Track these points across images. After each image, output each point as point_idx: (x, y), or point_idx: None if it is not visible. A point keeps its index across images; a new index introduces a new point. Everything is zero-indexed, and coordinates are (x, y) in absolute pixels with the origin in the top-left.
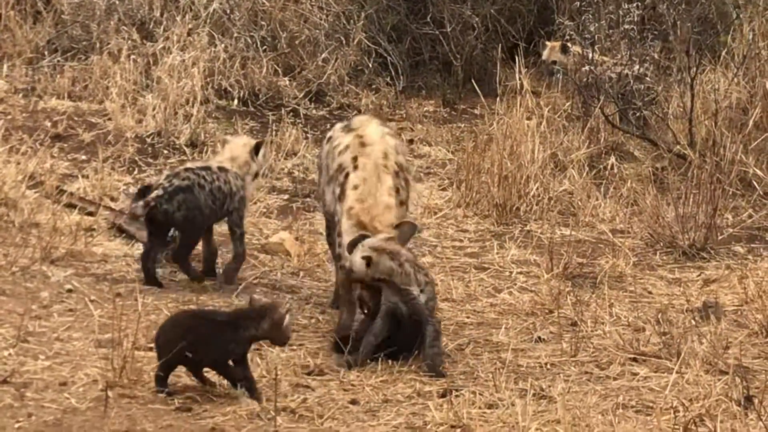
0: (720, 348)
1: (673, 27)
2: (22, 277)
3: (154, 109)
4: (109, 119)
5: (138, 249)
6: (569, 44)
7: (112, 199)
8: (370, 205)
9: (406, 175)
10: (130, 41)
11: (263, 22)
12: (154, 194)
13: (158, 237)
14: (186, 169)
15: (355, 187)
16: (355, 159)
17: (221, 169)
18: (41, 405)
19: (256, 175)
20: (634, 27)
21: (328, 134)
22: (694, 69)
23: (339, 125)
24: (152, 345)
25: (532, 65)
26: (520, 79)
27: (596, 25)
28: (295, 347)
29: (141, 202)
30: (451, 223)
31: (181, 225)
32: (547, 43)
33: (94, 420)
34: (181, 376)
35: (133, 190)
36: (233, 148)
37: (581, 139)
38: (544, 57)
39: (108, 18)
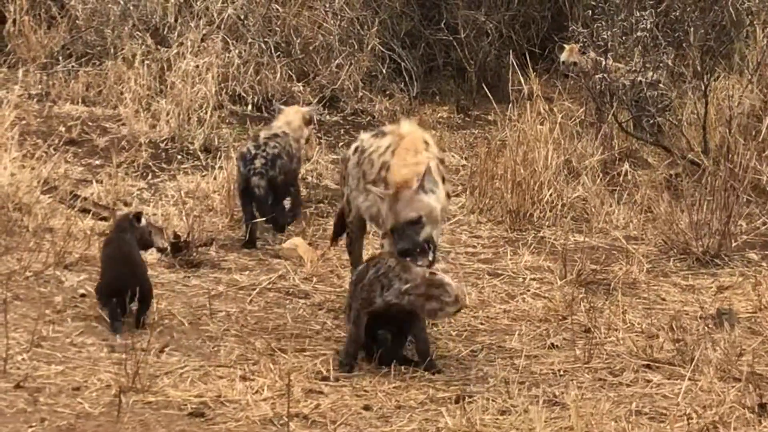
0: (733, 355)
1: (687, 34)
2: (35, 282)
3: (167, 115)
4: (123, 124)
5: (151, 254)
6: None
7: (126, 204)
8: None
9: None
10: (144, 46)
11: (277, 28)
12: (259, 163)
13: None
14: (269, 138)
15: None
16: (393, 151)
17: (284, 133)
18: (54, 410)
19: (307, 140)
20: (648, 34)
21: (354, 145)
22: (708, 76)
23: (366, 134)
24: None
25: (545, 71)
26: (529, 84)
27: (610, 32)
28: (308, 353)
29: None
30: (464, 229)
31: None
32: (565, 45)
33: (107, 425)
34: (195, 382)
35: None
36: (288, 114)
37: (595, 145)
38: (563, 58)
39: (122, 23)
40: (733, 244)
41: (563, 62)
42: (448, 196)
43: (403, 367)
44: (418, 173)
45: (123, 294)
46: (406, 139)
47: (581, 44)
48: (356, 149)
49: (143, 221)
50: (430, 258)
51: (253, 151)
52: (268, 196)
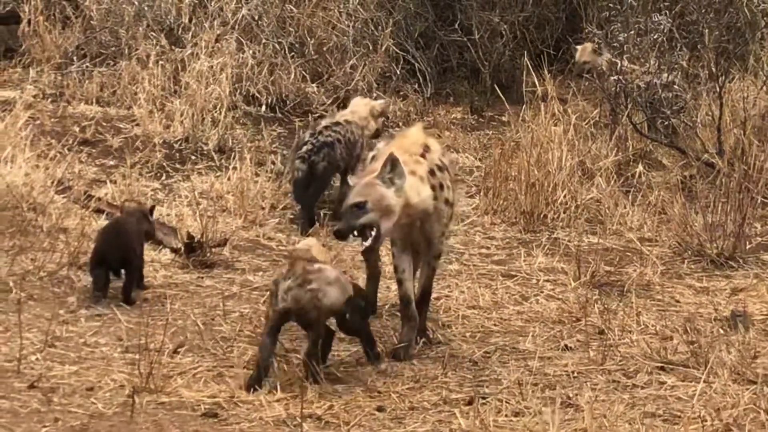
0: (748, 357)
1: (702, 35)
2: (49, 282)
3: (181, 115)
4: (137, 125)
5: (165, 255)
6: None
7: (140, 204)
8: None
9: (449, 175)
10: (158, 47)
11: (291, 29)
12: (305, 149)
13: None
14: (326, 127)
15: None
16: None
17: (347, 122)
18: (68, 410)
19: (376, 134)
20: (663, 35)
21: (372, 154)
22: (723, 77)
23: (381, 143)
24: (177, 348)
25: (560, 73)
26: (543, 85)
27: (625, 33)
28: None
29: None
30: (478, 231)
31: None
32: (578, 47)
33: (121, 425)
34: (208, 382)
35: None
36: (355, 104)
37: (609, 146)
38: (576, 58)
39: (137, 24)
40: (748, 246)
41: (575, 62)
42: (449, 202)
43: (416, 369)
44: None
45: (108, 264)
46: (406, 140)
47: (596, 43)
48: (373, 157)
49: (153, 216)
50: (367, 243)
51: (306, 138)
52: (306, 182)
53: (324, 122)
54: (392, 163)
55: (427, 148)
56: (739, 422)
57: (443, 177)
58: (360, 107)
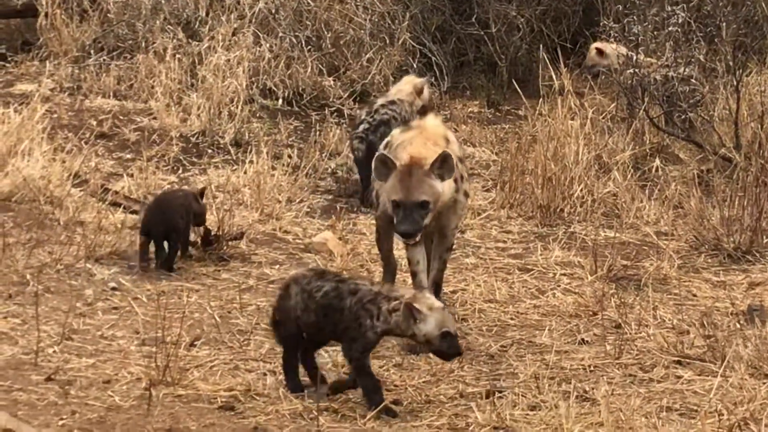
0: (765, 351)
1: (719, 29)
2: (66, 275)
3: (198, 109)
4: (154, 118)
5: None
6: (605, 46)
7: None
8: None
9: (465, 167)
10: (175, 40)
11: (308, 22)
12: (362, 128)
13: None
14: (382, 105)
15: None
16: (412, 141)
17: (399, 100)
18: (85, 402)
19: (423, 111)
20: (679, 29)
21: (386, 140)
22: (740, 71)
23: (396, 130)
24: (194, 341)
25: (577, 66)
26: (560, 79)
27: (641, 26)
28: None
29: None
30: (494, 224)
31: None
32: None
33: (137, 418)
34: (225, 375)
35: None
36: (401, 83)
37: (626, 140)
38: (585, 61)
39: (154, 17)
40: (765, 240)
41: (585, 64)
42: (466, 194)
43: (433, 362)
44: (433, 156)
45: (152, 234)
46: (427, 131)
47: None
48: (387, 144)
49: (203, 200)
50: (417, 239)
51: (363, 117)
52: (367, 160)
53: (380, 101)
54: (444, 159)
55: (447, 140)
56: (755, 416)
57: (462, 168)
58: (404, 85)
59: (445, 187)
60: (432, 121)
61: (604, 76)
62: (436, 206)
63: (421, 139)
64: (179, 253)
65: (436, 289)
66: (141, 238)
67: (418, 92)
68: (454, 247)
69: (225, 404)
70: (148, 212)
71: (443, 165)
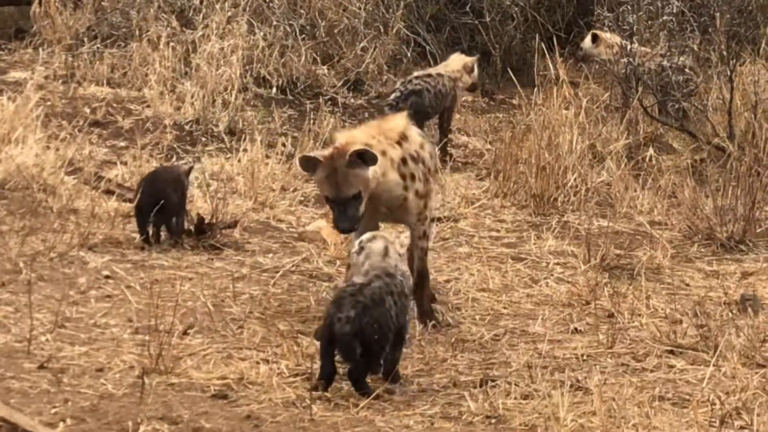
0: (757, 341)
1: (713, 18)
2: (59, 263)
3: (192, 97)
4: (148, 106)
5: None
6: (598, 34)
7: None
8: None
9: (428, 171)
10: (169, 28)
11: (302, 11)
12: (392, 96)
13: None
14: (417, 77)
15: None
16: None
17: (439, 75)
18: (78, 390)
19: (473, 88)
20: (673, 18)
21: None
22: (734, 61)
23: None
24: (187, 330)
25: (571, 56)
26: (555, 68)
27: (635, 16)
28: None
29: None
30: (488, 213)
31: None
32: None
33: (130, 406)
34: (218, 364)
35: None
36: (451, 60)
37: (620, 130)
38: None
39: (148, 5)
40: (758, 230)
41: (581, 53)
42: (419, 195)
43: (426, 351)
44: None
45: (150, 210)
46: (384, 125)
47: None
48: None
49: (192, 176)
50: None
51: (396, 86)
52: None
53: (416, 73)
54: (359, 153)
55: (404, 137)
56: (748, 406)
57: (416, 168)
58: (454, 62)
59: (382, 177)
60: (398, 118)
61: (598, 65)
62: (368, 189)
63: (367, 131)
64: (178, 226)
65: (422, 279)
66: (138, 217)
67: (469, 70)
68: (430, 235)
69: (218, 393)
70: (142, 191)
71: (361, 157)
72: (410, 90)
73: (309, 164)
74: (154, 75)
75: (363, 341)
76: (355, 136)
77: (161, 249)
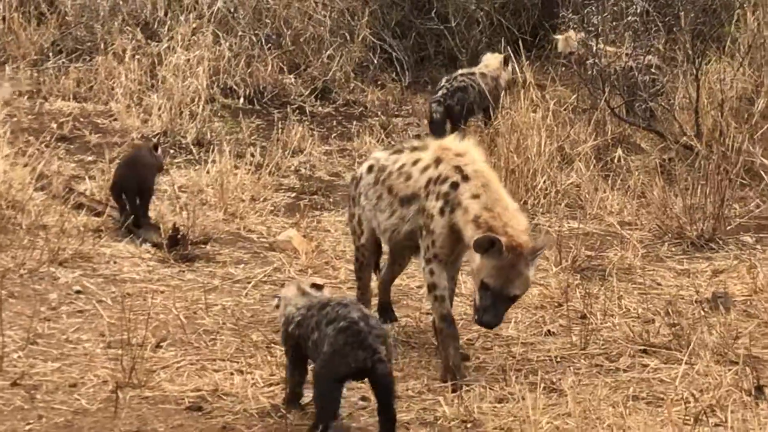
0: (730, 338)
1: (678, 18)
2: (30, 280)
3: (159, 109)
4: (115, 120)
5: (146, 251)
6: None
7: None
8: (500, 212)
9: None
10: (134, 41)
11: (267, 20)
12: (440, 93)
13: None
14: (462, 74)
15: (476, 196)
16: (458, 169)
17: (482, 74)
18: (51, 407)
19: (510, 84)
20: (638, 18)
21: (367, 164)
22: (700, 60)
23: (381, 153)
24: (160, 343)
25: (537, 59)
26: (522, 71)
27: (600, 17)
28: None
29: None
30: None
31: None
32: (558, 36)
33: (105, 421)
34: (192, 376)
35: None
36: (488, 59)
37: (588, 131)
38: (559, 49)
39: (112, 19)
40: (728, 228)
41: (560, 53)
42: None
43: (400, 358)
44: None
45: (125, 192)
46: (470, 162)
47: (578, 31)
48: (371, 168)
49: (159, 151)
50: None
51: (442, 83)
52: (444, 121)
53: (460, 71)
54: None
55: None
56: (721, 403)
57: None
58: (492, 61)
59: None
60: (456, 141)
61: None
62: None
63: (487, 191)
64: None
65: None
66: (113, 195)
67: (503, 64)
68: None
69: (192, 405)
70: (118, 174)
71: (543, 249)
72: (456, 87)
73: (489, 244)
74: (121, 88)
75: None
76: (519, 230)
77: (133, 263)
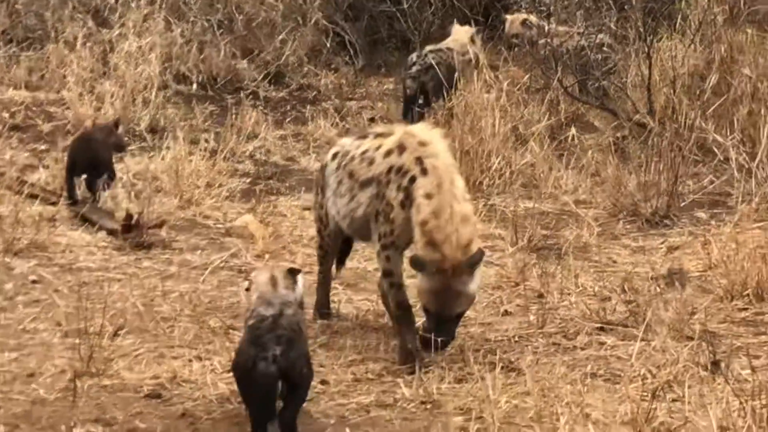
0: (685, 314)
1: None
2: None
3: (112, 97)
4: (68, 108)
5: (102, 239)
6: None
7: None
8: (446, 219)
9: None
10: (85, 29)
11: (219, 5)
12: (414, 69)
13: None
14: (431, 51)
15: (429, 196)
16: (419, 160)
17: (449, 49)
18: (9, 397)
19: (477, 61)
20: None
21: (333, 151)
22: (651, 37)
23: (347, 139)
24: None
25: (490, 39)
26: (476, 52)
27: None
28: None
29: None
30: None
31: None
32: (507, 16)
33: (63, 410)
34: (150, 363)
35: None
36: (457, 32)
37: (541, 111)
38: (506, 30)
39: (62, 6)
40: (682, 204)
41: (505, 34)
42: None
43: (359, 341)
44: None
45: (78, 169)
46: (431, 154)
47: (524, 14)
48: (335, 154)
49: (120, 128)
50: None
51: (414, 59)
52: (417, 97)
53: (428, 47)
54: (480, 259)
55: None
56: (678, 379)
57: None
58: (461, 35)
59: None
60: (423, 129)
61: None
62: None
63: (439, 185)
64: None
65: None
66: (66, 175)
67: (472, 41)
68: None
69: (151, 392)
70: (72, 149)
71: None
72: (429, 63)
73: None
74: (73, 76)
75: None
76: (464, 234)
77: (89, 251)
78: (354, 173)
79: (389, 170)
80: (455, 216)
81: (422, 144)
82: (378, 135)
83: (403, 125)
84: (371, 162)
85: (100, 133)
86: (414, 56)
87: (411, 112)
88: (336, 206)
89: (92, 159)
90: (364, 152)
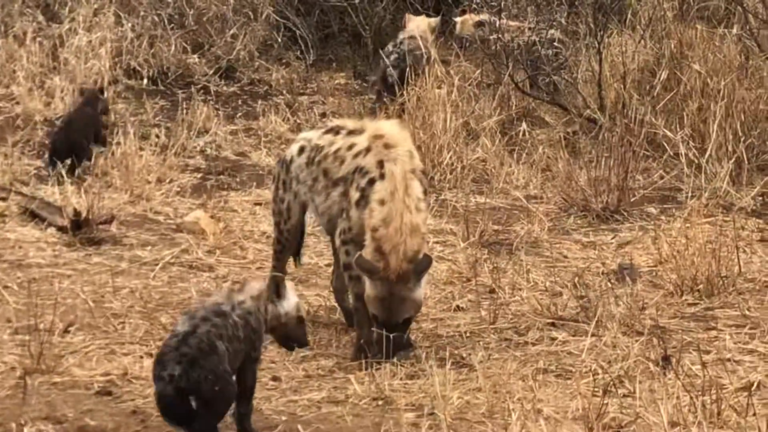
0: (636, 309)
1: None
2: None
3: (62, 92)
4: (17, 103)
5: (52, 235)
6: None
7: (23, 183)
8: (395, 229)
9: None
10: (35, 23)
11: (170, 0)
12: (393, 58)
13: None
14: (406, 38)
15: (382, 202)
16: (380, 164)
17: (412, 37)
18: None
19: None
20: None
21: (298, 145)
22: (602, 33)
23: (310, 133)
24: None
25: (441, 34)
26: (427, 47)
27: None
28: None
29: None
30: None
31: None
32: (457, 19)
33: (13, 407)
34: (101, 360)
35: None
36: (417, 21)
37: (492, 106)
38: (456, 32)
39: (12, 1)
40: (632, 199)
41: (457, 35)
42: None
43: (309, 337)
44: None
45: (58, 153)
46: (391, 158)
47: (476, 14)
48: (302, 149)
49: (105, 94)
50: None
51: (390, 49)
52: (397, 86)
53: (401, 35)
54: (426, 266)
55: (412, 157)
56: (629, 374)
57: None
58: (421, 23)
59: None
60: (394, 131)
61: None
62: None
63: (394, 188)
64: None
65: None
66: (48, 160)
67: (432, 30)
68: None
69: (102, 389)
70: (53, 136)
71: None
72: (406, 50)
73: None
74: (22, 71)
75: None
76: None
77: (39, 247)
78: (328, 172)
79: (355, 170)
80: (404, 227)
81: (387, 146)
82: (350, 132)
83: (374, 120)
84: (342, 161)
85: (80, 121)
86: (390, 46)
87: (383, 100)
88: (314, 203)
89: (73, 146)
90: (337, 151)
